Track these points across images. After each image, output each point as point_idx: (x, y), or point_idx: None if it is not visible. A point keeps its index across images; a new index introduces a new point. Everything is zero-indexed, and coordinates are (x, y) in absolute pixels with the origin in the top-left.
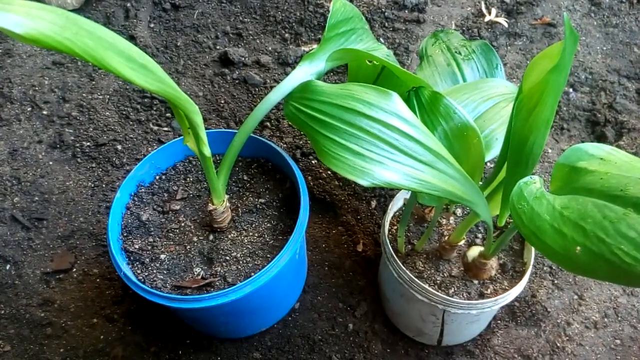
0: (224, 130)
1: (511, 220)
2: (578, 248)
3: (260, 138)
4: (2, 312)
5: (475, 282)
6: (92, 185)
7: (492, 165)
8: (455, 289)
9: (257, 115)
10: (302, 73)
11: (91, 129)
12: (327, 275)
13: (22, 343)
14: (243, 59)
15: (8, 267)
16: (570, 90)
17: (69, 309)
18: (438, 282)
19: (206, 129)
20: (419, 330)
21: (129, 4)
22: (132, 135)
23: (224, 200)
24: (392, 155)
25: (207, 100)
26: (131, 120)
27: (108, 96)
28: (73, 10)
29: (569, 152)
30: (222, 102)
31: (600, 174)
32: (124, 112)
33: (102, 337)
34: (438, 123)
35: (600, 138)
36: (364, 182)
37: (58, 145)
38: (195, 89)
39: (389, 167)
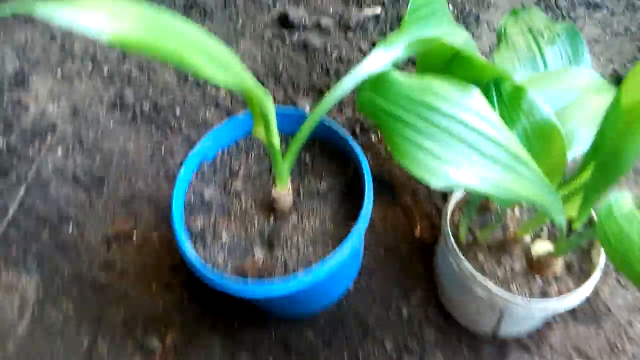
0: (289, 111)
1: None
2: None
3: (325, 121)
4: (66, 272)
5: (538, 279)
6: (152, 149)
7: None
8: (517, 285)
9: (328, 103)
10: (378, 60)
11: (151, 91)
12: (383, 259)
13: (85, 305)
14: (303, 20)
15: (71, 227)
16: None
17: (128, 274)
18: (499, 277)
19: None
20: (475, 321)
21: None
22: (190, 99)
23: (287, 185)
24: (468, 156)
25: (265, 64)
26: (189, 83)
27: None
28: None
29: None
30: (280, 66)
31: None
32: (182, 74)
33: (160, 304)
34: (518, 120)
35: None
36: (437, 183)
37: (118, 106)
38: (253, 51)
39: (465, 168)
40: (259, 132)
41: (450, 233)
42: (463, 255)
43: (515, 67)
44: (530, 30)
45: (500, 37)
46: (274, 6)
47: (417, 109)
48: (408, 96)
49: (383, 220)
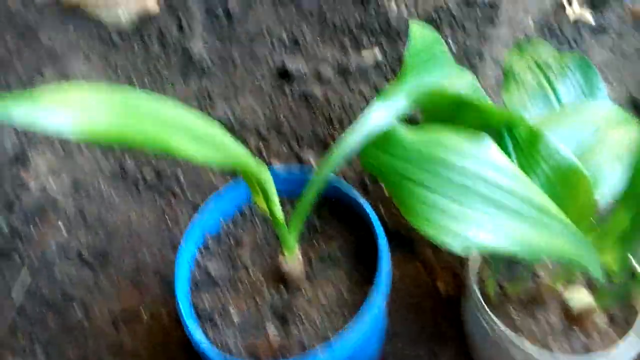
0: (292, 172)
1: None
2: None
3: (331, 180)
4: (74, 358)
5: (579, 332)
6: (156, 219)
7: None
8: (556, 342)
9: (331, 165)
10: (380, 114)
11: (152, 157)
12: (407, 319)
13: None
14: (301, 70)
15: (77, 308)
16: None
17: (139, 354)
18: (536, 333)
19: (267, 148)
20: None
21: (180, 13)
22: (193, 162)
23: (296, 254)
24: (488, 213)
25: (266, 118)
26: None
27: None
28: (128, 30)
29: None
30: (282, 118)
31: None
32: None
33: None
34: (537, 166)
35: None
36: (456, 246)
37: (119, 176)
38: (253, 105)
39: (486, 227)
40: (259, 202)
41: (477, 290)
42: (493, 312)
43: (526, 106)
44: (537, 64)
45: (508, 75)
46: (272, 58)
47: (426, 164)
48: (415, 151)
49: (402, 277)
